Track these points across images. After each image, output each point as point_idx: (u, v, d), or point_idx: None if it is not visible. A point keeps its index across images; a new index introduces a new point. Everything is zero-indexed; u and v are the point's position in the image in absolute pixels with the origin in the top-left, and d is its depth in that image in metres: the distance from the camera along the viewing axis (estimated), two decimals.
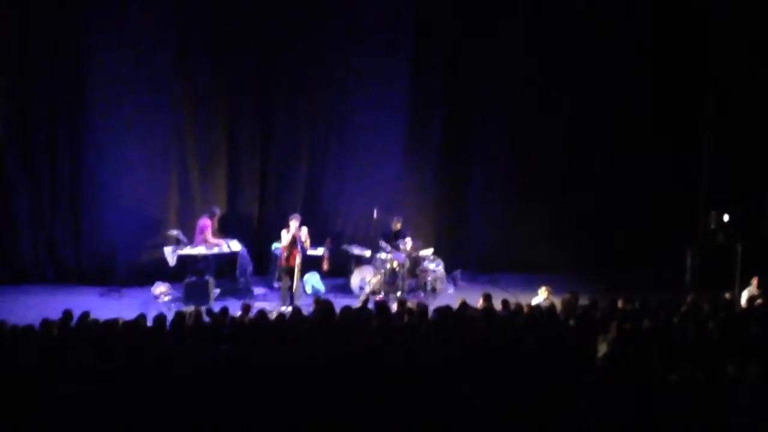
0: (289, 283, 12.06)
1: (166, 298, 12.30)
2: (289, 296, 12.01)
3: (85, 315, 8.99)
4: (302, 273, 12.53)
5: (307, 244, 12.35)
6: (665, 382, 7.09)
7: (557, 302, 10.14)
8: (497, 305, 9.97)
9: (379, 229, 13.45)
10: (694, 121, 14.41)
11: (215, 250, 12.71)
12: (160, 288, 12.43)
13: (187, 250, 12.50)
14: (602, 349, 7.98)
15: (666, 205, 14.35)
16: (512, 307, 9.85)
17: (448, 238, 14.56)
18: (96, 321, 8.87)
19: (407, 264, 13.08)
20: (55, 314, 8.96)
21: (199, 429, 6.31)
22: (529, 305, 10.07)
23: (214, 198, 13.43)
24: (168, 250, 12.51)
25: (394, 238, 13.23)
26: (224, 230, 13.22)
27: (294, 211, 12.63)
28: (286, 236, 12.06)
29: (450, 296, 12.62)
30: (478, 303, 9.92)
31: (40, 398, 6.47)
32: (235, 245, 12.93)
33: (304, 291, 12.80)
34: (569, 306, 9.80)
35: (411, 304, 10.01)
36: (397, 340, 8.08)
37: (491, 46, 14.15)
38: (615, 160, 14.60)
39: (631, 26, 14.23)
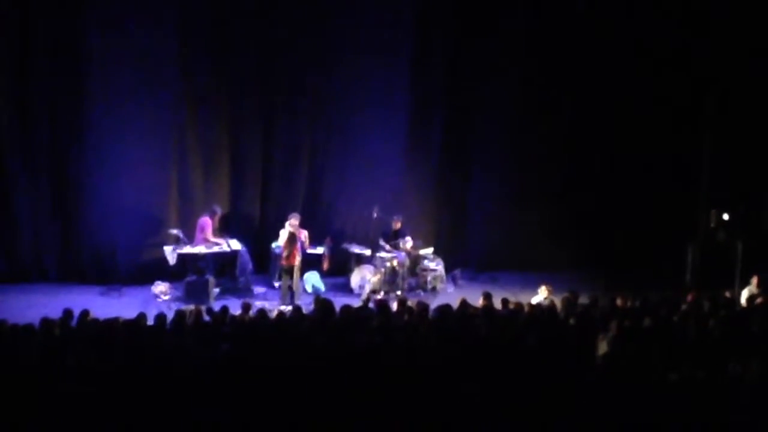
0: (289, 282, 12.07)
1: (167, 297, 12.30)
2: (290, 295, 12.03)
3: (85, 314, 8.98)
4: (302, 272, 12.55)
5: (307, 243, 12.36)
6: (665, 380, 7.09)
7: (557, 301, 10.15)
8: (497, 304, 9.99)
9: (379, 229, 13.46)
10: (694, 121, 14.42)
11: (215, 249, 12.70)
12: (161, 287, 12.43)
13: (188, 249, 12.49)
14: (602, 347, 8.01)
15: (666, 204, 14.37)
16: (512, 306, 9.88)
17: (448, 238, 14.59)
18: (96, 320, 8.87)
19: (407, 263, 13.09)
20: (55, 313, 8.96)
21: (199, 428, 6.30)
22: (530, 304, 10.09)
23: (214, 197, 13.41)
24: (168, 249, 12.49)
25: (394, 238, 13.25)
26: (225, 229, 13.22)
27: (294, 211, 12.64)
28: (283, 234, 12.07)
29: (450, 295, 12.62)
30: (478, 302, 9.94)
31: (40, 397, 6.46)
32: (235, 244, 12.92)
33: (304, 290, 12.80)
34: (569, 305, 9.81)
35: (411, 303, 10.01)
36: (397, 339, 8.09)
37: (491, 46, 14.17)
38: (615, 160, 14.61)
39: (631, 26, 14.23)
